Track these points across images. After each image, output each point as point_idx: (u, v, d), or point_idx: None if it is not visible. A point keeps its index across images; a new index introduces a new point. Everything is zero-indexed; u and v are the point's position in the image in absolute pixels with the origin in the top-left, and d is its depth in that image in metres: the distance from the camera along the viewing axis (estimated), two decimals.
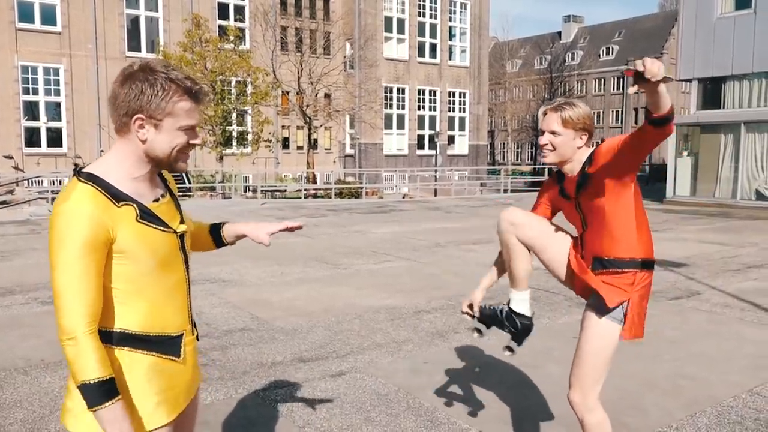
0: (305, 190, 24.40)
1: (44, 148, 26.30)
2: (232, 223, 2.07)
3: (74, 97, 26.22)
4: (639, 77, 1.83)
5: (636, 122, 63.62)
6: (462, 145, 36.99)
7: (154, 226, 1.61)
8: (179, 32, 26.44)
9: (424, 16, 34.66)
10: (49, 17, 25.89)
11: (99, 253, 1.51)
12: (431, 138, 34.47)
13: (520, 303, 2.70)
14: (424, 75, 34.92)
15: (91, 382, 1.48)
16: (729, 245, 10.52)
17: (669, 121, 2.00)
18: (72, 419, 1.60)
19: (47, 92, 26.19)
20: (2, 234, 11.63)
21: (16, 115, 25.37)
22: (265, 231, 2.01)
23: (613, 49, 66.09)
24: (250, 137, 26.44)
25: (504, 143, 72.38)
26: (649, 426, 3.52)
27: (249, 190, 26.41)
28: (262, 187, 24.08)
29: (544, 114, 2.43)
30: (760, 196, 17.86)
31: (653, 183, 30.75)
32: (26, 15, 25.45)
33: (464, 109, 36.93)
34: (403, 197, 26.18)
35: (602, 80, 66.09)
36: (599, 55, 66.28)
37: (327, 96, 31.63)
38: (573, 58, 66.35)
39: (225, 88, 24.74)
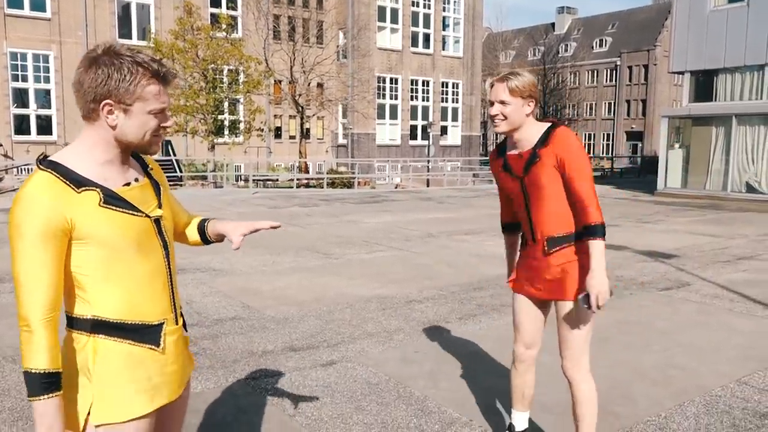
0: (297, 179, 24.32)
1: (34, 135, 26.06)
2: (217, 220, 2.01)
3: (64, 84, 25.94)
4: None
5: (628, 114, 63.82)
6: (455, 136, 36.97)
7: (121, 209, 1.57)
8: (171, 20, 26.20)
9: (417, 5, 34.49)
10: (38, 3, 25.59)
11: (57, 241, 1.48)
12: (424, 128, 34.42)
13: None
14: (418, 65, 34.81)
15: (35, 371, 1.46)
16: (719, 237, 10.58)
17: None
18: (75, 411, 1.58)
19: (37, 79, 25.93)
20: None
21: (5, 102, 25.12)
22: (239, 232, 1.94)
23: (606, 41, 66.09)
24: (242, 126, 26.29)
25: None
26: (638, 415, 3.54)
27: (241, 179, 26.30)
28: (254, 176, 23.98)
29: (491, 86, 2.56)
30: (750, 188, 17.96)
31: (644, 175, 30.87)
32: (15, 1, 25.13)
33: (457, 99, 36.88)
34: (396, 187, 26.16)
35: (595, 72, 66.13)
36: (593, 47, 66.29)
37: (320, 85, 31.49)
38: (566, 50, 66.33)
39: (217, 76, 24.55)
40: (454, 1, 36.21)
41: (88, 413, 1.57)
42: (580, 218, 2.51)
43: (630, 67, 63.30)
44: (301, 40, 29.62)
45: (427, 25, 35.03)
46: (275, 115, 32.67)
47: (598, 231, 2.46)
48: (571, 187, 2.49)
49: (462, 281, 6.91)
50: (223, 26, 24.74)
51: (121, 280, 1.58)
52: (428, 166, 30.00)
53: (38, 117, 26.24)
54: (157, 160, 1.79)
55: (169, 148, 28.08)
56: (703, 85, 19.29)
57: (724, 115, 18.33)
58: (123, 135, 1.56)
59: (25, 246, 1.46)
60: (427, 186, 26.46)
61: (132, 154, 1.68)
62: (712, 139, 18.71)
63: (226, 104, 25.72)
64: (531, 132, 2.56)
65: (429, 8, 35.00)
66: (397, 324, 5.29)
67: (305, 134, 29.35)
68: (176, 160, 25.27)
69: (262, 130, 26.54)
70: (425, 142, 33.56)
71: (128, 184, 1.62)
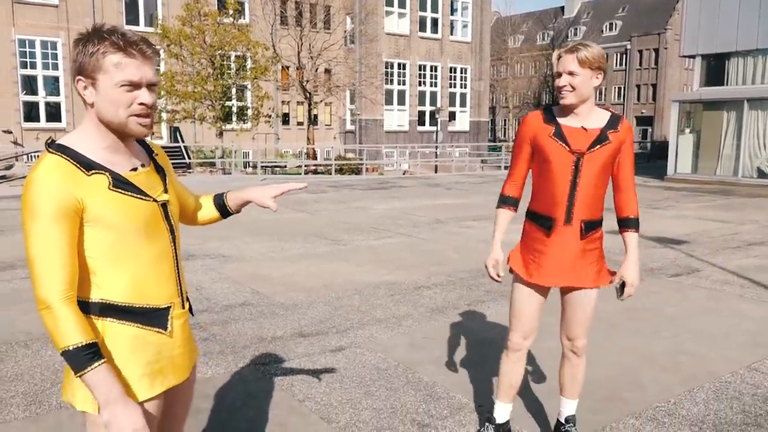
0: (305, 165, 24.30)
1: (43, 122, 26.13)
2: (237, 190, 2.04)
3: None
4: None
5: (638, 99, 63.27)
6: (463, 122, 36.78)
7: (130, 193, 1.57)
8: (178, 6, 26.10)
9: None
10: None
11: (69, 221, 1.48)
12: (432, 114, 34.26)
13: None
14: (426, 50, 34.57)
15: (72, 347, 1.45)
16: (730, 222, 10.51)
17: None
18: (73, 394, 1.59)
19: (45, 66, 25.95)
20: (2, 209, 11.61)
21: (15, 89, 25.18)
22: (270, 195, 1.98)
23: (616, 24, 65.40)
24: (249, 112, 26.26)
25: (505, 120, 72.03)
26: (648, 401, 3.54)
27: (249, 165, 26.31)
28: (262, 162, 23.97)
29: (559, 57, 2.50)
30: (761, 173, 17.80)
31: (654, 160, 30.63)
32: None
33: (465, 85, 36.64)
34: (404, 173, 26.11)
35: (605, 56, 65.46)
36: (602, 31, 65.63)
37: (327, 71, 31.35)
38: (576, 34, 65.72)
39: (224, 62, 24.50)
40: None
41: None
42: (624, 208, 2.65)
43: (640, 51, 62.66)
44: (308, 25, 29.45)
45: (435, 9, 34.73)
46: (283, 102, 32.60)
47: (637, 223, 2.66)
48: (620, 176, 2.61)
49: (470, 267, 6.91)
50: (231, 12, 24.65)
51: (129, 263, 1.59)
52: (436, 152, 29.89)
53: (47, 104, 26.30)
54: (165, 147, 1.79)
55: (178, 134, 28.11)
56: (715, 68, 19.06)
57: (735, 100, 18.13)
58: (100, 113, 1.55)
59: (39, 227, 1.46)
60: (435, 172, 26.39)
61: (137, 140, 1.69)
62: (723, 124, 18.52)
63: (233, 90, 25.68)
64: (596, 110, 2.55)
65: None
66: (405, 310, 5.30)
67: (313, 120, 29.29)
68: (184, 147, 25.30)
69: (270, 117, 26.51)
70: (433, 128, 33.42)
71: (135, 169, 1.63)
